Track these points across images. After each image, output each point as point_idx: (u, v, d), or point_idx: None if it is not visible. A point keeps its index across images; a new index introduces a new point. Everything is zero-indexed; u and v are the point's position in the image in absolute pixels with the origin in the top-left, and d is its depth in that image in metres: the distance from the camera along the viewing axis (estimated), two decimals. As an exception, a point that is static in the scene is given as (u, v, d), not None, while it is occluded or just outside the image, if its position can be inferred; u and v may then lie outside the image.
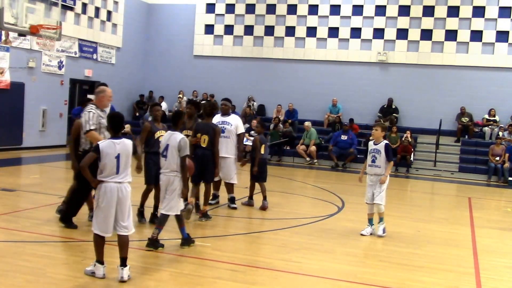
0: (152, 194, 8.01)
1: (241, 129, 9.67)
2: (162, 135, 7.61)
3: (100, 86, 7.59)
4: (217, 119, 9.42)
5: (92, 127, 7.07)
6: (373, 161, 8.17)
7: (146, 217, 8.10)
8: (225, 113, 9.61)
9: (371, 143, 8.43)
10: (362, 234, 8.17)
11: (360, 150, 18.94)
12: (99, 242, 5.45)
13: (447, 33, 20.17)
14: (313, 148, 18.91)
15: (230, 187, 9.66)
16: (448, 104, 19.94)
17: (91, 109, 7.22)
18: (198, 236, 7.38)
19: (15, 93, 16.66)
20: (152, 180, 7.79)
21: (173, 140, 6.70)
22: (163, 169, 6.79)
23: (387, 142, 8.43)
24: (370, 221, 8.31)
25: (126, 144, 5.46)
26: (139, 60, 23.30)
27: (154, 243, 6.65)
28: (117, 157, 5.35)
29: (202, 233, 7.50)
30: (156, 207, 7.97)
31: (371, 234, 8.20)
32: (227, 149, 9.31)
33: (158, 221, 6.83)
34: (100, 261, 5.45)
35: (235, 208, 9.55)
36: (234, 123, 9.52)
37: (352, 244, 7.69)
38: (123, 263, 5.42)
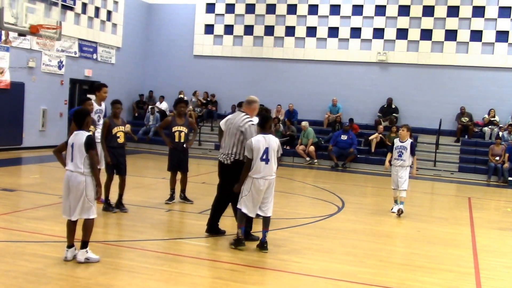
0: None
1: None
2: (120, 131, 8.45)
3: (252, 97, 7.35)
4: None
5: None
6: (400, 155, 9.99)
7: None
8: None
9: (396, 140, 10.24)
10: (392, 211, 10.09)
11: (360, 150, 18.98)
12: (68, 226, 5.94)
13: (447, 33, 20.18)
14: (311, 148, 18.92)
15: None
16: (448, 104, 19.95)
17: (252, 122, 7.07)
18: (198, 236, 7.39)
19: (15, 93, 16.67)
20: (112, 170, 8.63)
21: (272, 142, 6.76)
22: (265, 174, 6.72)
23: (412, 140, 10.18)
24: (396, 201, 10.16)
25: (79, 136, 5.86)
26: (139, 60, 23.30)
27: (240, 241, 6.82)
28: (72, 146, 5.86)
29: (202, 233, 7.49)
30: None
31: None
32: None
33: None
34: (68, 245, 5.92)
35: None
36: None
37: (352, 244, 7.69)
38: (81, 246, 5.86)
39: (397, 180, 9.96)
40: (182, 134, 9.49)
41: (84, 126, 5.96)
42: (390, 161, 10.32)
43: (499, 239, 8.78)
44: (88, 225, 5.88)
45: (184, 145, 9.58)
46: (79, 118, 5.98)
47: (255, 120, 7.22)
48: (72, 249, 5.89)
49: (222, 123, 9.65)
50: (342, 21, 21.21)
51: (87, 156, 5.80)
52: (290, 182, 14.60)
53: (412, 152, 10.01)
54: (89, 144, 5.81)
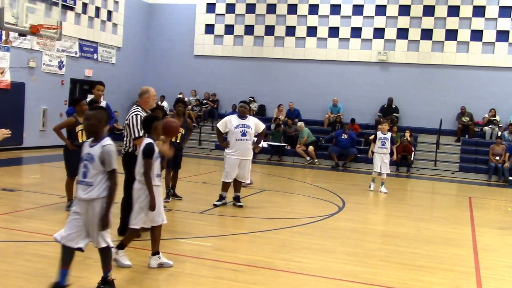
0: None
1: (262, 125, 9.85)
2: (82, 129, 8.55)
3: (144, 88, 7.06)
4: (235, 122, 9.46)
5: (141, 133, 6.67)
6: (383, 144, 12.48)
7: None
8: (243, 116, 9.57)
9: (379, 133, 12.67)
10: (370, 189, 12.58)
11: (360, 149, 18.98)
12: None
13: (447, 33, 20.17)
14: (310, 147, 18.93)
15: (239, 186, 9.79)
16: (449, 103, 19.95)
17: (138, 111, 6.79)
18: (199, 236, 7.39)
19: (15, 93, 16.67)
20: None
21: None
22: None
23: (391, 133, 12.78)
24: (373, 180, 12.78)
25: (143, 143, 5.79)
26: (139, 60, 23.31)
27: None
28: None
29: (203, 233, 7.49)
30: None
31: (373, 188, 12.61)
32: (249, 151, 9.57)
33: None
34: (152, 252, 5.94)
35: (241, 206, 9.61)
36: (253, 125, 9.63)
37: (353, 243, 7.69)
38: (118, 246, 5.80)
39: (381, 165, 12.42)
40: (179, 135, 9.51)
41: (152, 132, 5.75)
42: (372, 151, 12.65)
43: (499, 239, 8.78)
44: (155, 233, 5.87)
45: (181, 145, 9.74)
46: (145, 124, 5.84)
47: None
48: (156, 256, 5.87)
49: (219, 124, 9.74)
50: (342, 21, 21.21)
51: (143, 164, 5.66)
52: (291, 181, 14.60)
53: (392, 142, 12.75)
54: (144, 151, 5.64)
